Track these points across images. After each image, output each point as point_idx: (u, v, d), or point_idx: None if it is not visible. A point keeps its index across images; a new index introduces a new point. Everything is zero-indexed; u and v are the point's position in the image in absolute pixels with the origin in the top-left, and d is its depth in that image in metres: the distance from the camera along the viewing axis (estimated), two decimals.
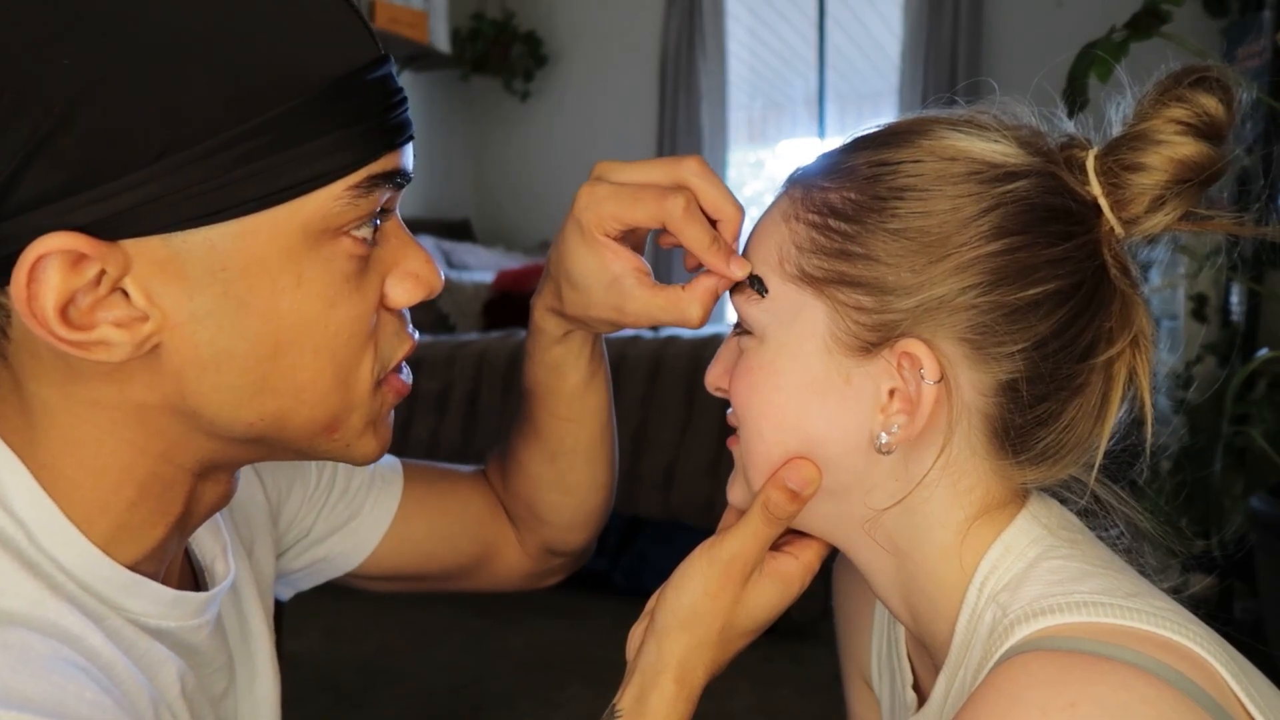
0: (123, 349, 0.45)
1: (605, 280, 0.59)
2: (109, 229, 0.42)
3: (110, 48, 0.41)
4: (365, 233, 0.49)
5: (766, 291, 0.54)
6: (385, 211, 0.51)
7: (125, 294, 0.44)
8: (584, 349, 0.69)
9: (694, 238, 0.56)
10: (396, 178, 0.49)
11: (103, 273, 0.43)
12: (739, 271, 0.56)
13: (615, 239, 0.59)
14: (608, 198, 0.57)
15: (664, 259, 3.55)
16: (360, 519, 0.74)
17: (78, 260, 0.42)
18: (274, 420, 0.49)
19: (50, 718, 0.39)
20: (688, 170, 0.57)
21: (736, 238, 0.58)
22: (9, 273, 0.42)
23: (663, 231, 0.59)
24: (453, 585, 0.81)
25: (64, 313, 0.43)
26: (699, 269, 0.59)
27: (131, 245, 0.43)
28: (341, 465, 0.73)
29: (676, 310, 0.58)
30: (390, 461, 0.77)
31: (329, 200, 0.46)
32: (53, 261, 0.42)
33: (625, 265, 0.58)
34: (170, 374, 0.46)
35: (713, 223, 0.58)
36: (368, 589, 0.80)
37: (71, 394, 0.47)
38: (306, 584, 0.77)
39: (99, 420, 0.47)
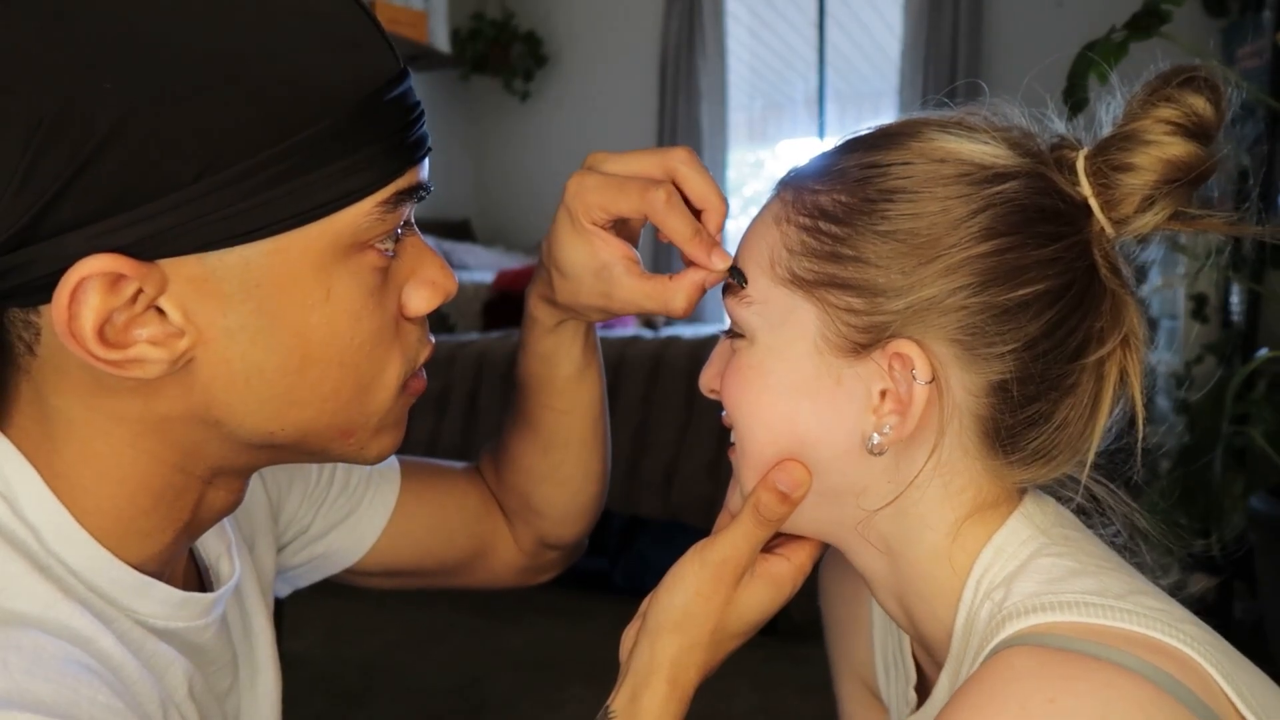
0: (158, 366, 0.45)
1: (594, 268, 0.60)
2: (147, 249, 0.43)
3: (150, 72, 0.42)
4: (388, 245, 0.50)
5: (746, 282, 0.55)
6: (404, 224, 0.51)
7: (160, 311, 0.45)
8: (576, 339, 0.70)
9: (676, 229, 0.57)
10: (420, 191, 0.50)
11: (139, 291, 0.44)
12: (719, 263, 0.57)
13: (606, 228, 0.60)
14: (595, 188, 0.59)
15: (664, 251, 3.54)
16: (359, 515, 0.74)
17: (116, 281, 0.43)
18: (295, 429, 0.50)
19: None
20: (675, 159, 0.58)
21: (720, 230, 0.59)
22: (46, 292, 0.43)
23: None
24: (448, 581, 0.82)
25: (101, 332, 0.43)
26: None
27: (168, 264, 0.44)
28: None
29: (661, 299, 0.59)
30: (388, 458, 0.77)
31: (359, 216, 0.47)
32: (93, 283, 0.42)
33: (614, 253, 0.60)
34: (199, 388, 0.47)
35: (698, 214, 0.58)
36: (364, 585, 0.80)
37: (95, 408, 0.47)
38: (304, 581, 0.77)
39: (120, 433, 0.48)
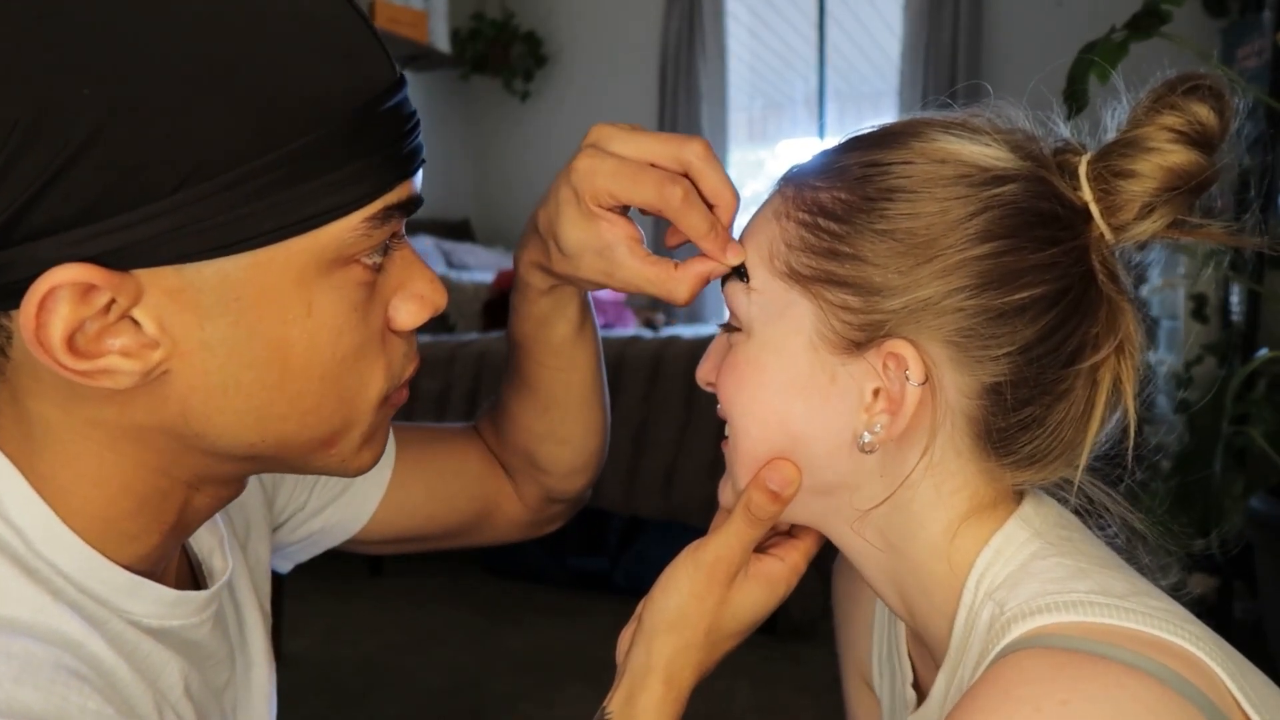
0: (129, 377, 0.44)
1: (597, 247, 0.58)
2: (122, 259, 0.42)
3: (132, 77, 0.40)
4: (375, 259, 0.49)
5: (748, 279, 0.55)
6: (394, 236, 0.50)
7: (134, 321, 0.44)
8: (572, 301, 0.68)
9: (693, 225, 0.56)
10: (410, 205, 0.49)
11: (113, 301, 0.42)
12: (734, 258, 0.56)
13: (610, 208, 0.58)
14: (609, 174, 0.56)
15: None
16: (355, 488, 0.74)
17: (88, 291, 0.42)
18: (275, 442, 0.49)
19: None
20: (691, 153, 0.56)
21: (732, 223, 0.58)
22: (16, 298, 0.42)
23: None
24: (456, 542, 0.82)
25: (70, 341, 0.42)
26: (681, 245, 0.58)
27: (144, 274, 0.43)
28: None
29: (665, 286, 0.57)
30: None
31: (345, 231, 0.45)
32: (63, 293, 0.41)
33: (619, 234, 0.58)
34: (175, 399, 0.46)
35: (710, 207, 0.57)
36: (369, 553, 0.80)
37: (72, 413, 0.47)
38: (305, 555, 0.77)
39: (99, 438, 0.47)
